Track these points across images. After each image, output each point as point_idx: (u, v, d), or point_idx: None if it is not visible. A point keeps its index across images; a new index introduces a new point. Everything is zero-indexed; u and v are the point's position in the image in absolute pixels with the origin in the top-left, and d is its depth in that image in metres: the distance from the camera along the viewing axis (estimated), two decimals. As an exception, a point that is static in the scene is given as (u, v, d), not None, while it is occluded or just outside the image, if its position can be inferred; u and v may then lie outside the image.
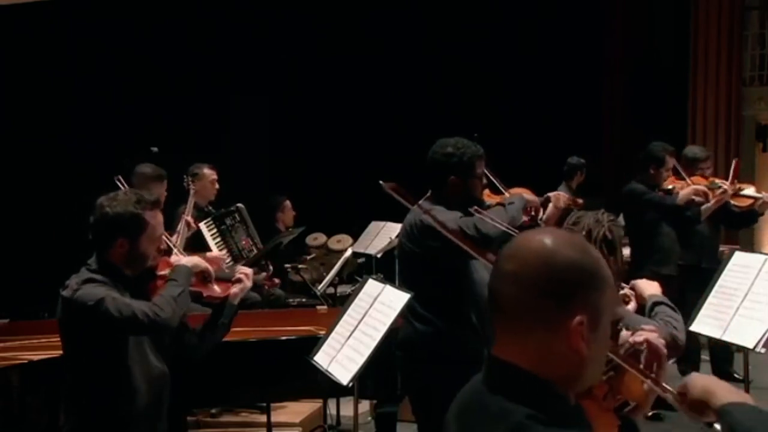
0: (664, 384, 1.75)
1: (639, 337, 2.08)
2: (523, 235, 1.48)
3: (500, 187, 4.12)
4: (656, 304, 2.73)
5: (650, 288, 2.82)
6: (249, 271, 3.19)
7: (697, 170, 5.80)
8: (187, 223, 5.44)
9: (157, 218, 2.85)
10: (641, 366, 1.99)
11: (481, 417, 1.38)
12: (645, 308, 2.75)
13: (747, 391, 3.67)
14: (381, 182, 2.98)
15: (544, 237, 1.41)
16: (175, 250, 3.55)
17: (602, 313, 1.39)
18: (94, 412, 2.77)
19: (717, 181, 5.68)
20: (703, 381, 1.65)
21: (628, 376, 2.02)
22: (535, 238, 1.42)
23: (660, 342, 2.09)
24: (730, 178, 5.68)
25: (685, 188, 5.56)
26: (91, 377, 2.77)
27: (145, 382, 2.80)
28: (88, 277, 2.73)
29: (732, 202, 5.61)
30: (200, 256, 3.21)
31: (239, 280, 3.10)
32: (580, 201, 4.15)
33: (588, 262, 1.39)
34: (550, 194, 3.95)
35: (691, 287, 4.91)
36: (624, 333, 2.19)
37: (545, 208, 3.92)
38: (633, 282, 2.84)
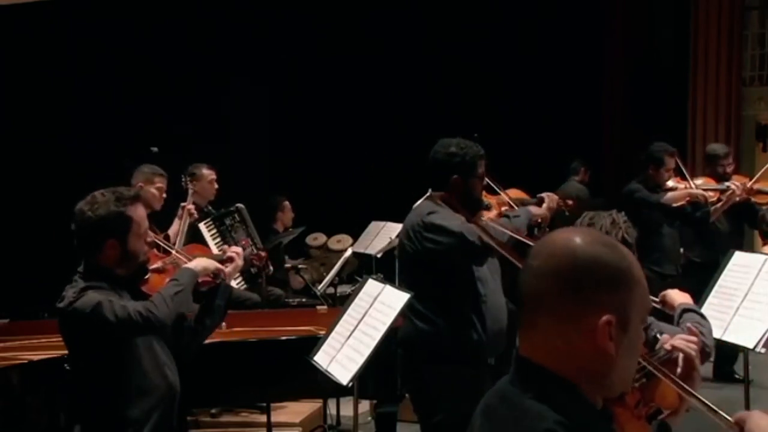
0: (711, 405, 1.60)
1: (667, 344, 2.06)
2: (553, 232, 1.44)
3: (496, 188, 4.13)
4: (685, 311, 2.68)
5: (681, 298, 2.76)
6: (239, 249, 3.20)
7: (718, 167, 5.84)
8: (189, 213, 5.41)
9: (139, 212, 2.80)
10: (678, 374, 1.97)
11: (510, 415, 1.34)
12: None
13: (747, 391, 3.68)
14: None
15: (572, 233, 1.38)
16: (173, 252, 3.54)
17: (631, 313, 1.32)
18: (107, 416, 2.75)
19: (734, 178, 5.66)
20: (766, 424, 1.49)
21: (662, 384, 1.97)
22: (564, 235, 1.39)
23: (693, 348, 2.06)
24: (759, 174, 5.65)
25: (678, 190, 5.57)
26: (104, 381, 2.74)
27: (158, 383, 2.78)
28: (85, 286, 2.69)
29: (753, 199, 5.59)
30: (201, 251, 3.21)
31: (231, 259, 3.09)
32: (570, 202, 4.17)
33: (616, 259, 1.34)
34: (544, 194, 3.97)
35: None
36: (663, 337, 2.16)
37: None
38: (663, 293, 2.79)
